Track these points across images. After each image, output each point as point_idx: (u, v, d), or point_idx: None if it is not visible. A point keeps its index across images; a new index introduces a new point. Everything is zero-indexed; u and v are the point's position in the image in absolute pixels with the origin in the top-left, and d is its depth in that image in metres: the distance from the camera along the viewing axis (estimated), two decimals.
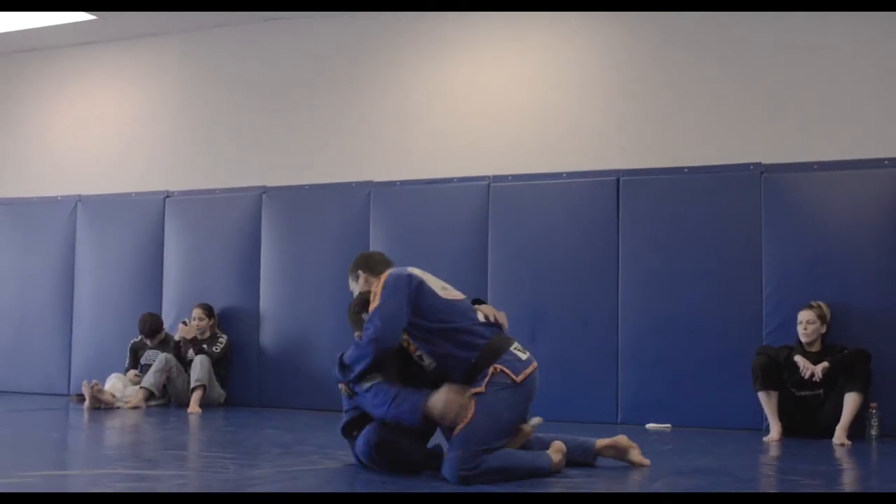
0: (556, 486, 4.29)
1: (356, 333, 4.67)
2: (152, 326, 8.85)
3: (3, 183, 10.39)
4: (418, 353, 4.54)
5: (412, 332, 4.50)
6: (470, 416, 4.32)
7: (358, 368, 4.47)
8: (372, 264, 4.92)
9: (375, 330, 4.37)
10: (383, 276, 4.55)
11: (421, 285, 4.51)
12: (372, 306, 4.46)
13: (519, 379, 4.43)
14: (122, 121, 9.97)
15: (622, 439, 4.94)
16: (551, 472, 4.56)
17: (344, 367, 4.54)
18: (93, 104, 10.12)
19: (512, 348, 4.54)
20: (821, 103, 7.43)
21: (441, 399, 4.33)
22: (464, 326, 4.52)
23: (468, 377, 4.44)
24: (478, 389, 4.37)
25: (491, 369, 4.41)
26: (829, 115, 7.41)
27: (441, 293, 4.57)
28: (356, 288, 4.88)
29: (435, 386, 4.47)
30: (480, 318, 4.64)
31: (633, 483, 4.37)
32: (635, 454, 4.92)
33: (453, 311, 4.55)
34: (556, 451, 4.67)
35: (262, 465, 4.85)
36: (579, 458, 4.84)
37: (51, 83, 10.28)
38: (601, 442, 4.88)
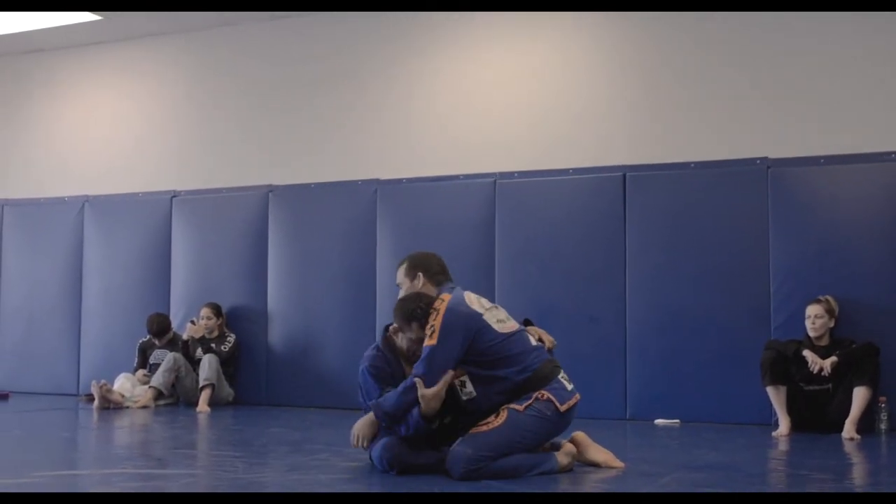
0: (559, 484, 4.29)
1: (393, 325, 4.67)
2: (160, 326, 8.86)
3: (11, 184, 10.41)
4: (463, 378, 4.51)
5: (466, 359, 4.46)
6: (497, 423, 4.34)
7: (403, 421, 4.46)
8: (432, 271, 4.84)
9: (426, 376, 4.36)
10: (442, 308, 4.46)
11: (480, 330, 4.46)
12: (427, 341, 4.41)
13: (563, 408, 4.45)
14: (129, 121, 9.98)
15: (578, 436, 4.80)
16: (559, 472, 4.54)
17: (387, 414, 4.50)
18: (99, 104, 10.13)
19: (560, 376, 4.55)
20: (827, 97, 7.41)
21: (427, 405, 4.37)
22: (519, 351, 4.52)
23: (511, 396, 4.44)
24: (517, 407, 4.39)
25: (537, 394, 4.42)
26: (835, 109, 7.39)
27: (497, 327, 4.53)
28: (409, 287, 4.78)
29: (464, 413, 4.52)
30: (532, 342, 4.65)
31: (640, 481, 4.37)
32: (595, 453, 4.76)
33: (510, 342, 4.52)
34: (565, 454, 4.63)
35: (272, 464, 4.86)
36: None
37: (57, 84, 10.29)
38: (561, 459, 4.59)
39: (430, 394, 4.35)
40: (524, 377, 4.46)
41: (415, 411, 4.40)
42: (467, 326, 4.43)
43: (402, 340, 4.68)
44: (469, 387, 4.50)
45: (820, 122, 7.41)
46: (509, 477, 4.32)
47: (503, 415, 4.37)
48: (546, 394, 4.43)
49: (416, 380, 4.36)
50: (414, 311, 4.58)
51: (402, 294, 4.76)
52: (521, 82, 8.32)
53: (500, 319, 4.59)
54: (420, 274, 4.80)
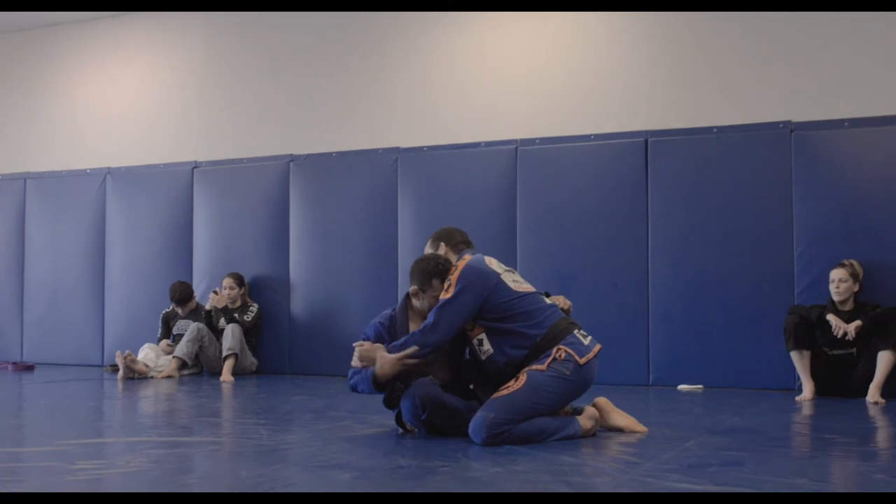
0: (580, 454, 4.29)
1: (412, 287, 4.74)
2: (182, 294, 8.90)
3: (33, 157, 10.45)
4: (480, 336, 4.58)
5: (480, 315, 4.55)
6: (517, 386, 4.36)
7: (422, 352, 4.51)
8: (454, 241, 4.97)
9: (437, 325, 4.48)
10: (461, 263, 4.62)
11: (497, 287, 4.56)
12: (444, 294, 4.54)
13: (582, 361, 4.46)
14: (150, 93, 9.99)
15: (600, 402, 4.80)
16: (582, 436, 4.54)
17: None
18: (120, 77, 10.14)
19: (576, 332, 4.57)
20: (850, 60, 7.34)
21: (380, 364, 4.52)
22: (534, 308, 4.59)
23: (531, 356, 4.47)
24: (539, 367, 4.41)
25: (555, 350, 4.45)
26: (858, 72, 7.32)
27: (513, 286, 4.62)
28: (423, 298, 4.79)
29: (479, 373, 4.63)
30: (547, 302, 4.70)
31: (663, 445, 4.36)
32: (618, 418, 4.77)
33: (524, 300, 4.60)
34: (588, 418, 4.62)
35: (296, 431, 4.88)
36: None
37: (77, 57, 10.30)
38: (584, 423, 4.58)
39: (389, 358, 4.47)
40: (539, 333, 4.49)
41: (369, 370, 4.55)
42: (484, 284, 4.53)
43: (420, 302, 4.73)
44: (486, 345, 4.56)
45: (844, 85, 7.34)
46: (533, 441, 4.33)
47: (523, 378, 4.39)
48: (563, 349, 4.45)
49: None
50: (434, 268, 4.68)
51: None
52: (542, 48, 8.27)
53: (515, 280, 4.69)
54: (441, 244, 4.94)
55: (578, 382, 4.48)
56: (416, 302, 4.79)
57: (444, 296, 4.53)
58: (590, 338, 4.61)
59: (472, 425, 4.33)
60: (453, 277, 4.55)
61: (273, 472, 3.71)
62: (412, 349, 4.50)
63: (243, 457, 4.17)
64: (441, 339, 4.53)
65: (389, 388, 4.66)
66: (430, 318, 4.52)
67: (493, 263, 4.69)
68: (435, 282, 4.67)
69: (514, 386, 4.38)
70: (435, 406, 4.48)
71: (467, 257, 4.70)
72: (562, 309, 4.78)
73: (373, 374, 4.57)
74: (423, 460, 3.96)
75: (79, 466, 3.77)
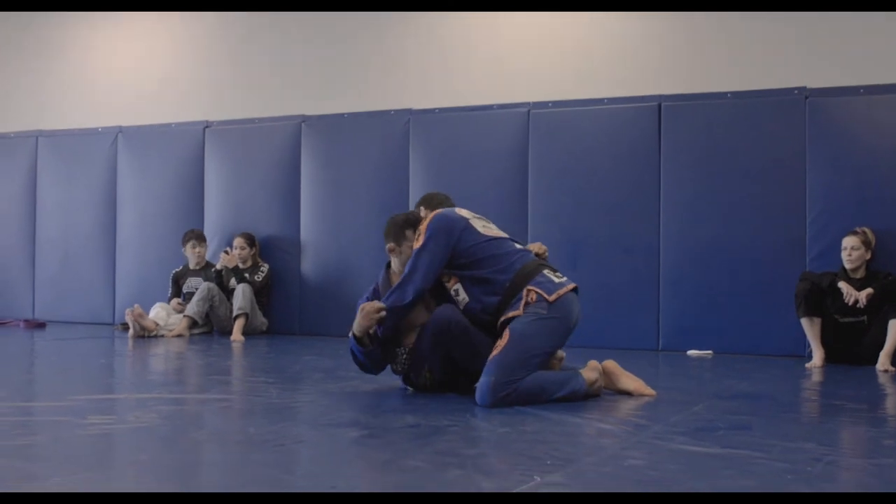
0: (588, 416, 4.29)
1: (389, 245, 4.83)
2: (198, 233, 9.01)
3: (45, 115, 10.45)
4: (455, 286, 4.63)
5: (452, 263, 4.61)
6: (504, 342, 4.36)
7: (399, 306, 4.57)
8: (434, 203, 5.10)
9: (412, 274, 4.56)
10: (430, 216, 4.71)
11: (464, 230, 4.62)
12: (416, 244, 4.64)
13: (551, 298, 4.44)
14: (161, 51, 9.97)
15: (608, 364, 4.77)
16: (588, 393, 4.53)
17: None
18: (132, 35, 10.11)
19: (546, 272, 4.57)
20: (866, 26, 7.28)
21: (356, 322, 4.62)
22: (502, 252, 4.62)
23: (504, 302, 4.49)
24: (515, 313, 4.43)
25: (525, 293, 4.45)
26: (875, 38, 7.27)
27: (481, 230, 4.68)
28: (400, 251, 4.88)
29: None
30: (518, 247, 4.72)
31: (672, 408, 4.36)
32: (626, 381, 4.74)
33: (493, 243, 4.64)
34: (590, 370, 4.63)
35: (305, 390, 4.90)
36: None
37: (89, 15, 10.25)
38: (587, 375, 4.59)
39: (363, 310, 4.55)
40: (507, 277, 4.52)
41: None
42: (450, 228, 4.60)
43: (399, 259, 4.82)
44: (462, 293, 4.61)
45: (859, 52, 7.29)
46: (540, 400, 4.33)
47: (506, 334, 4.38)
48: (532, 290, 4.45)
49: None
50: (405, 220, 4.86)
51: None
52: (555, 10, 8.20)
53: (485, 226, 4.75)
54: (422, 207, 5.10)
55: (560, 319, 4.46)
56: (394, 261, 4.86)
57: (415, 245, 4.63)
58: (564, 278, 4.61)
59: (477, 394, 4.32)
60: (422, 227, 4.65)
61: (282, 429, 3.73)
62: (375, 315, 4.57)
63: (252, 414, 4.19)
64: (418, 288, 4.56)
65: (377, 349, 4.70)
66: (406, 269, 4.61)
67: (463, 212, 4.76)
68: (408, 232, 4.78)
69: (501, 344, 4.37)
70: (460, 330, 4.51)
71: (437, 210, 4.80)
72: (536, 254, 4.80)
73: (351, 331, 4.65)
74: (431, 419, 3.97)
75: (89, 421, 3.79)
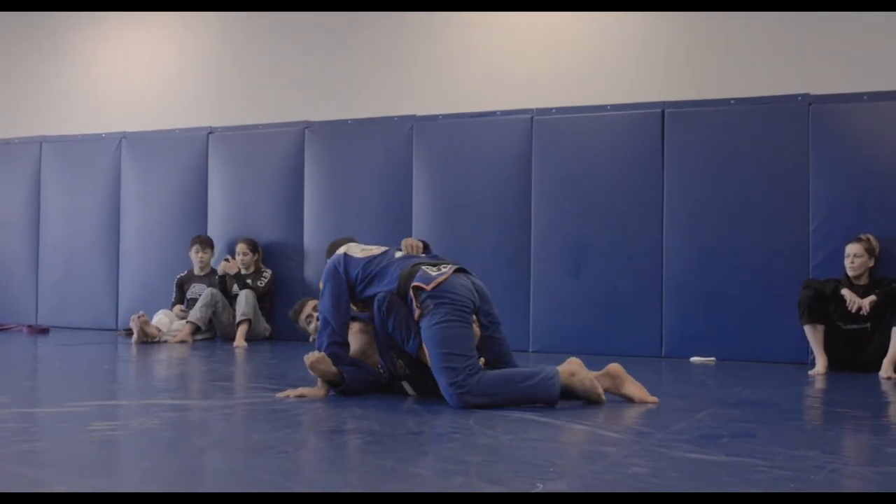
0: (590, 420, 4.29)
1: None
2: (206, 237, 9.03)
3: (49, 121, 10.46)
4: (370, 313, 4.94)
5: (353, 296, 4.94)
6: (427, 349, 4.56)
7: (327, 338, 4.84)
8: (332, 250, 5.41)
9: (324, 310, 4.86)
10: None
11: (347, 264, 4.93)
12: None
13: (429, 287, 4.61)
14: (166, 57, 9.98)
15: (613, 368, 4.79)
16: (570, 386, 4.54)
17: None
18: (136, 41, 10.13)
19: (423, 268, 4.77)
20: (870, 32, 7.28)
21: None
22: (382, 267, 4.91)
23: (398, 310, 4.71)
24: (416, 315, 4.63)
25: (411, 292, 4.65)
26: (878, 45, 7.27)
27: (359, 255, 4.99)
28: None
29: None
30: (398, 255, 5.02)
31: (675, 416, 4.36)
32: (630, 387, 4.73)
33: (373, 262, 4.94)
34: (567, 363, 4.63)
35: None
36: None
37: (93, 21, 10.28)
38: (561, 368, 4.65)
39: (311, 370, 4.79)
40: (393, 287, 4.76)
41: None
42: (334, 270, 4.92)
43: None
44: (376, 319, 4.83)
45: (863, 58, 7.29)
46: (511, 392, 4.46)
47: (423, 346, 4.61)
48: (412, 290, 4.65)
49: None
50: (296, 311, 5.79)
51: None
52: (559, 18, 8.22)
53: (364, 248, 5.08)
54: (331, 249, 5.52)
55: (451, 303, 4.59)
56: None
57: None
58: (444, 268, 4.77)
59: (446, 398, 4.49)
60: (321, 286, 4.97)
61: (285, 435, 3.73)
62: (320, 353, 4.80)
63: (256, 420, 4.18)
64: (334, 326, 4.81)
65: (355, 380, 4.88)
66: (319, 311, 4.95)
67: (345, 248, 5.06)
68: (311, 314, 5.59)
69: (425, 351, 4.57)
70: (388, 305, 4.75)
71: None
72: (413, 249, 5.18)
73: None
74: (434, 426, 3.97)
75: (92, 427, 3.79)
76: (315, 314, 5.44)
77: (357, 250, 5.02)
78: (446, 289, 4.62)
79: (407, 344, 4.70)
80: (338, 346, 4.82)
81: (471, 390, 4.41)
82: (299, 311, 5.62)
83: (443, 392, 4.50)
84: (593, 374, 4.65)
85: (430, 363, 4.57)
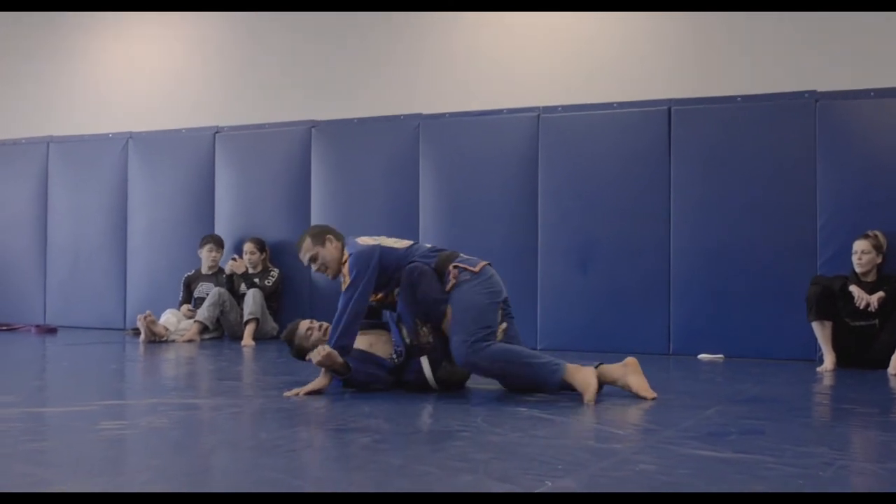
0: (596, 416, 4.29)
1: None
2: (217, 236, 9.02)
3: (56, 121, 10.47)
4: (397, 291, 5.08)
5: (390, 282, 5.07)
6: (450, 312, 4.85)
7: (339, 331, 4.91)
8: (335, 233, 5.35)
9: (349, 299, 4.90)
10: (346, 257, 5.08)
11: (381, 252, 5.05)
12: (344, 285, 5.00)
13: (476, 269, 4.97)
14: (172, 57, 9.99)
15: (630, 360, 4.89)
16: (570, 380, 4.64)
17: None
18: (142, 40, 10.15)
19: (462, 255, 5.11)
20: (876, 29, 7.26)
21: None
22: (421, 252, 5.14)
23: (430, 280, 4.93)
24: (449, 286, 4.92)
25: (449, 270, 4.96)
26: (885, 41, 7.25)
27: (396, 245, 5.18)
28: (323, 251, 5.23)
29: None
30: (429, 246, 5.33)
31: (684, 413, 4.36)
32: (634, 378, 4.78)
33: (412, 250, 5.16)
34: (579, 367, 4.70)
35: (316, 395, 4.89)
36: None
37: (99, 20, 10.30)
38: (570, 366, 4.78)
39: (322, 357, 4.80)
40: (431, 261, 5.02)
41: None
42: (370, 263, 4.98)
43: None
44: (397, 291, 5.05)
45: (870, 55, 7.28)
46: (514, 363, 4.73)
47: (448, 310, 4.86)
48: (454, 269, 4.96)
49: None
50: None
51: (316, 266, 5.28)
52: (565, 14, 8.21)
53: (395, 240, 5.28)
54: (329, 237, 5.29)
55: (486, 284, 4.94)
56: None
57: (345, 286, 4.97)
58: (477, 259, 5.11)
59: (455, 356, 4.79)
60: (345, 270, 5.00)
61: (292, 434, 3.73)
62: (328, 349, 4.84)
63: (263, 419, 4.19)
64: (349, 322, 4.88)
65: (361, 372, 4.95)
66: (340, 304, 4.91)
67: (368, 240, 5.18)
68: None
69: (449, 314, 4.85)
70: (419, 272, 4.93)
71: (346, 253, 5.12)
72: None
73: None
74: (442, 424, 3.97)
75: (100, 426, 3.80)
76: (314, 325, 5.41)
77: (389, 242, 5.18)
78: (486, 273, 4.99)
79: (431, 313, 4.90)
80: (347, 339, 4.89)
81: (480, 351, 4.70)
82: (295, 330, 5.46)
83: (452, 348, 4.77)
84: (614, 365, 4.81)
85: (448, 324, 4.82)
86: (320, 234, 5.29)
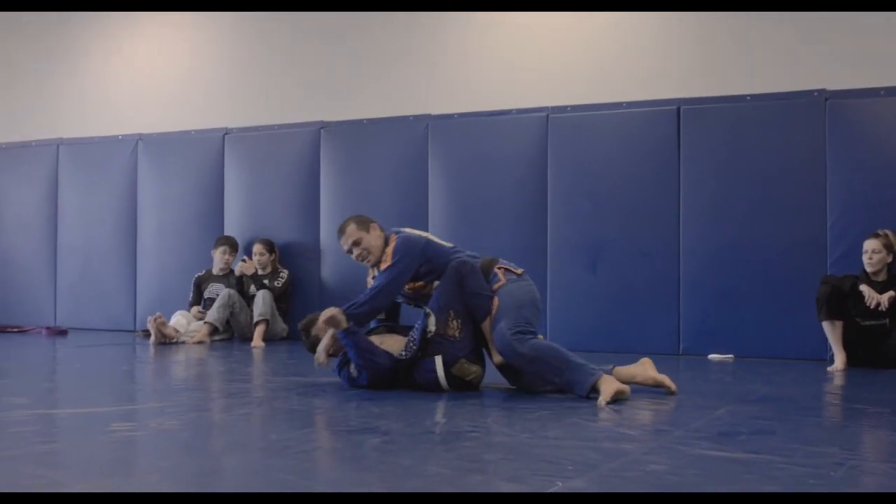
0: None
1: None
2: (232, 238, 9.06)
3: (66, 123, 10.50)
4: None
5: (432, 272, 5.17)
6: (496, 303, 4.96)
7: (363, 303, 5.09)
8: (377, 223, 5.45)
9: (385, 279, 5.09)
10: (393, 239, 5.23)
11: (431, 245, 5.25)
12: (384, 265, 5.15)
13: (519, 271, 5.18)
14: (181, 59, 10.01)
15: (646, 360, 5.11)
16: (597, 386, 4.63)
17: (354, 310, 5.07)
18: (151, 43, 10.17)
19: (503, 261, 5.26)
20: (886, 27, 7.24)
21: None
22: (467, 253, 5.31)
23: (476, 275, 5.05)
24: (498, 283, 5.05)
25: (496, 270, 5.12)
26: (894, 39, 7.22)
27: (443, 243, 5.35)
28: (368, 237, 5.32)
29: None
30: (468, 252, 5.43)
31: (694, 413, 4.35)
32: (637, 369, 5.01)
33: (455, 249, 5.32)
34: (613, 380, 4.68)
35: (325, 396, 4.89)
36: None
37: (108, 23, 10.32)
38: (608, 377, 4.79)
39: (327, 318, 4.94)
40: (477, 260, 5.16)
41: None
42: (416, 250, 5.16)
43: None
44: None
45: (880, 53, 7.26)
46: (558, 358, 4.75)
47: (495, 301, 4.97)
48: (502, 269, 5.14)
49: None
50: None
51: (358, 251, 5.34)
52: (574, 14, 8.20)
53: (439, 239, 5.45)
54: (373, 224, 5.40)
55: (529, 284, 5.12)
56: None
57: (384, 266, 5.13)
58: None
59: (497, 342, 4.87)
60: (389, 250, 5.16)
61: (303, 435, 3.74)
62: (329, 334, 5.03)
63: (273, 420, 4.20)
64: (381, 304, 5.14)
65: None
66: (376, 282, 5.13)
67: (416, 232, 5.37)
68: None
69: (495, 305, 4.96)
70: (470, 267, 5.04)
71: (394, 236, 5.28)
72: None
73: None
74: (452, 425, 3.97)
75: (111, 428, 3.80)
76: None
77: (435, 239, 5.39)
78: (527, 279, 5.18)
79: (477, 307, 4.96)
80: (363, 313, 5.05)
81: (525, 340, 4.79)
82: (314, 321, 5.40)
83: (496, 335, 4.86)
84: (631, 365, 5.00)
85: (493, 318, 4.91)
86: (365, 221, 5.37)
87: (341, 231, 5.40)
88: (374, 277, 5.34)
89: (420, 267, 5.14)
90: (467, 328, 4.98)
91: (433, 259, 5.17)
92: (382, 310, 5.20)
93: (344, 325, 4.92)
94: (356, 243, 5.30)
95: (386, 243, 5.27)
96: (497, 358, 4.97)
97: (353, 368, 5.05)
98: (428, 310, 5.02)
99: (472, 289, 4.97)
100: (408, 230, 5.33)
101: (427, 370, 4.96)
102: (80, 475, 3.02)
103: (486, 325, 4.99)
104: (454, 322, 4.96)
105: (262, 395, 5.04)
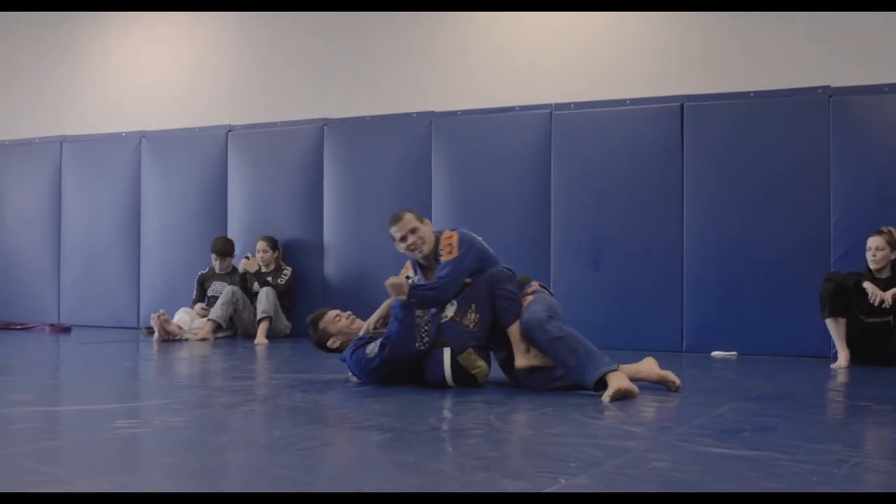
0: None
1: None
2: (224, 246, 8.99)
3: (69, 121, 10.50)
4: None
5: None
6: (529, 299, 5.11)
7: (431, 288, 5.12)
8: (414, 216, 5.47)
9: (453, 269, 5.13)
10: (455, 234, 5.29)
11: (483, 243, 5.37)
12: (448, 256, 5.17)
13: (552, 291, 5.49)
14: (184, 56, 10.01)
15: (650, 359, 5.18)
16: (606, 378, 4.65)
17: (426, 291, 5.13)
18: (154, 39, 10.16)
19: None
20: (890, 23, 7.23)
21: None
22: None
23: (511, 279, 5.16)
24: (531, 289, 5.22)
25: (533, 282, 5.31)
26: None
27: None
28: (423, 226, 5.37)
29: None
30: None
31: (697, 410, 4.35)
32: (662, 371, 5.05)
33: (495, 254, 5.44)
34: (623, 377, 4.67)
35: (329, 393, 4.90)
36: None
37: (111, 20, 10.32)
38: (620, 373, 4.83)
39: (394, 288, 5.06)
40: (514, 273, 5.22)
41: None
42: (482, 248, 5.30)
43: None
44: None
45: (883, 50, 7.25)
46: (573, 343, 4.81)
47: (526, 299, 5.10)
48: (536, 283, 5.34)
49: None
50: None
51: (414, 238, 5.32)
52: (577, 13, 8.19)
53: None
54: (426, 219, 5.52)
55: (553, 302, 5.22)
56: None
57: (448, 257, 5.16)
58: None
59: (526, 318, 4.94)
60: (454, 241, 5.22)
61: (306, 432, 3.74)
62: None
63: (277, 417, 4.20)
64: (447, 293, 5.12)
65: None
66: (444, 272, 5.12)
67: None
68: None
69: (528, 299, 5.09)
70: (506, 275, 5.15)
71: (454, 229, 5.40)
72: None
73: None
74: (455, 422, 3.97)
75: (115, 424, 3.81)
76: (343, 314, 5.53)
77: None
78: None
79: (507, 313, 5.01)
80: (427, 296, 5.08)
81: (552, 321, 4.89)
82: (323, 315, 5.49)
83: (527, 313, 4.95)
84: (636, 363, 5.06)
85: (526, 311, 4.99)
86: (419, 214, 5.46)
87: (398, 218, 5.36)
88: (412, 272, 5.47)
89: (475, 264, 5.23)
90: (484, 325, 5.04)
91: (484, 259, 5.25)
92: (446, 301, 5.13)
93: (405, 296, 4.99)
94: (413, 231, 5.29)
95: (435, 239, 5.31)
96: (520, 361, 4.96)
97: (371, 348, 5.07)
98: (454, 301, 5.10)
99: (504, 293, 5.03)
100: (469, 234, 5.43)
101: (435, 360, 4.98)
102: (83, 472, 3.03)
103: (513, 328, 4.99)
104: (473, 315, 5.03)
105: (265, 392, 5.04)
